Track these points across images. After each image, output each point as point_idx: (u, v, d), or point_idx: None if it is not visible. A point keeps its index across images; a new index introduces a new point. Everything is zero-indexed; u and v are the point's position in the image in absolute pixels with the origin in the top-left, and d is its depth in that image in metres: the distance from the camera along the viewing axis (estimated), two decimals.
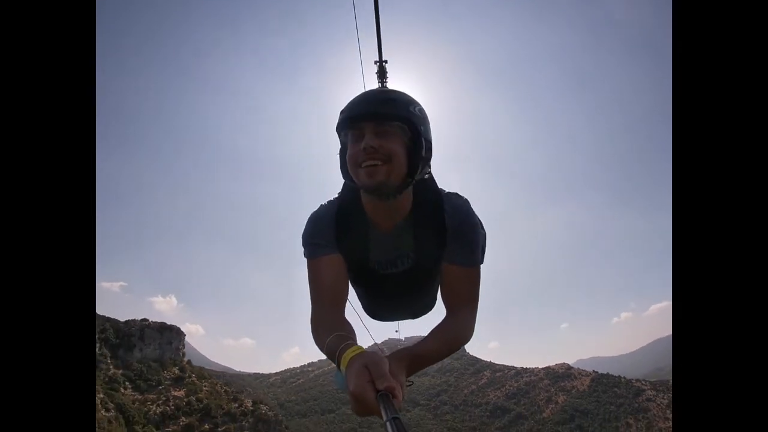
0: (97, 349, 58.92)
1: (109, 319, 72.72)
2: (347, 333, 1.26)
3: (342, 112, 1.37)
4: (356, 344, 1.16)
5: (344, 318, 1.41)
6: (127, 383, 60.71)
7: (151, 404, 59.99)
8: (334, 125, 1.39)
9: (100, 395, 49.06)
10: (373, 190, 1.34)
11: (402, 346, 1.34)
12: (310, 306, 1.45)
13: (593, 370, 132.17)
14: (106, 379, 56.86)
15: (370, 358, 1.02)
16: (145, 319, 73.98)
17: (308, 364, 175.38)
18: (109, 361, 60.60)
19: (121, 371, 61.28)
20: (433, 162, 1.46)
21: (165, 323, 74.83)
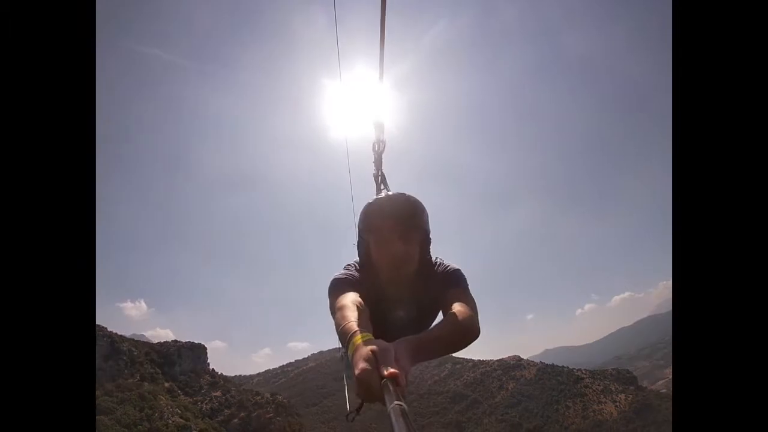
0: (150, 368, 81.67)
1: (146, 344, 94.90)
2: (362, 319, 1.42)
3: (368, 219, 1.79)
4: (367, 330, 1.28)
5: (363, 308, 1.55)
6: (179, 391, 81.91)
7: (200, 404, 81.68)
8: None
9: (170, 402, 72.61)
10: (398, 283, 1.81)
11: None
12: (335, 315, 1.56)
13: (540, 361, 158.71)
14: (165, 391, 77.93)
15: (378, 344, 1.09)
16: (176, 341, 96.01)
17: (287, 364, 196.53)
18: (161, 377, 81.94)
19: (171, 384, 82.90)
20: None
21: (192, 342, 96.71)
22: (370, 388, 1.00)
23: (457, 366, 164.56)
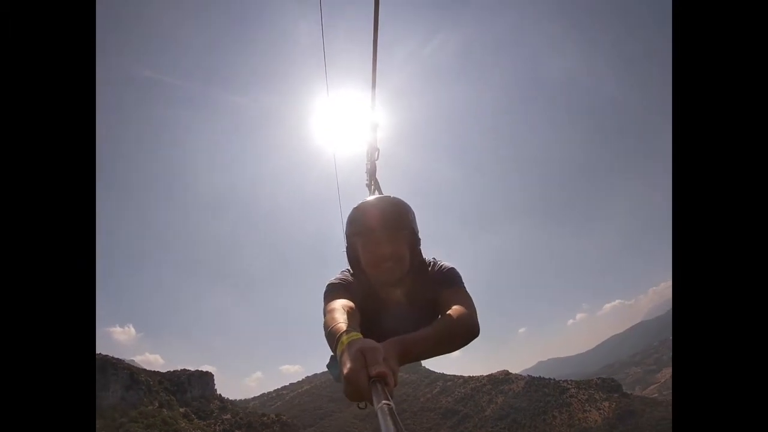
0: (165, 396, 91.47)
1: (157, 373, 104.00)
2: (351, 321, 1.44)
3: (355, 223, 1.84)
4: (355, 331, 1.28)
5: (354, 311, 1.58)
6: (193, 416, 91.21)
7: (213, 426, 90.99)
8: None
9: (189, 426, 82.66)
10: (391, 284, 1.83)
11: None
12: (325, 316, 1.57)
13: (527, 375, 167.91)
14: (181, 416, 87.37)
15: (366, 344, 1.10)
16: (185, 369, 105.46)
17: (281, 387, 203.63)
18: (176, 403, 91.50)
19: (186, 409, 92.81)
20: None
21: (200, 370, 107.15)
22: (358, 388, 1.01)
23: (448, 383, 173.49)
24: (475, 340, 1.61)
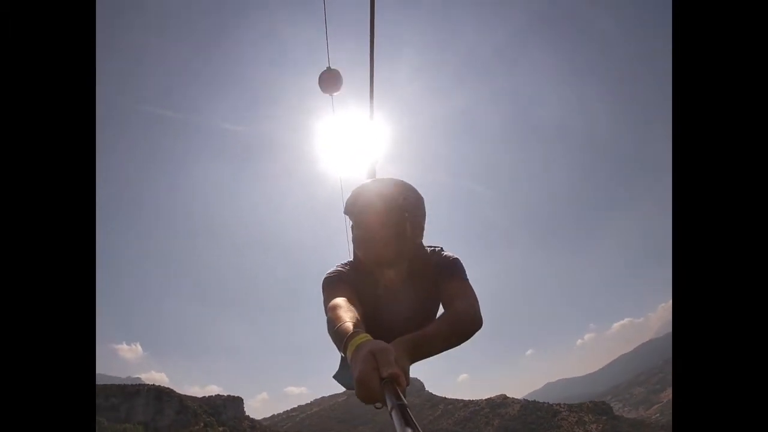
0: (207, 418, 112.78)
1: (196, 398, 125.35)
2: (356, 318, 1.44)
3: (349, 199, 1.79)
4: (364, 333, 1.27)
5: (357, 306, 1.58)
6: None
7: None
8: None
9: None
10: (386, 265, 1.81)
11: None
12: (327, 313, 1.59)
13: (523, 398, 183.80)
14: None
15: (377, 345, 1.11)
16: (219, 395, 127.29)
17: (291, 409, 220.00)
18: (216, 424, 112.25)
19: (224, 428, 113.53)
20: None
21: (231, 395, 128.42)
22: (370, 390, 1.03)
23: (449, 406, 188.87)
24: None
